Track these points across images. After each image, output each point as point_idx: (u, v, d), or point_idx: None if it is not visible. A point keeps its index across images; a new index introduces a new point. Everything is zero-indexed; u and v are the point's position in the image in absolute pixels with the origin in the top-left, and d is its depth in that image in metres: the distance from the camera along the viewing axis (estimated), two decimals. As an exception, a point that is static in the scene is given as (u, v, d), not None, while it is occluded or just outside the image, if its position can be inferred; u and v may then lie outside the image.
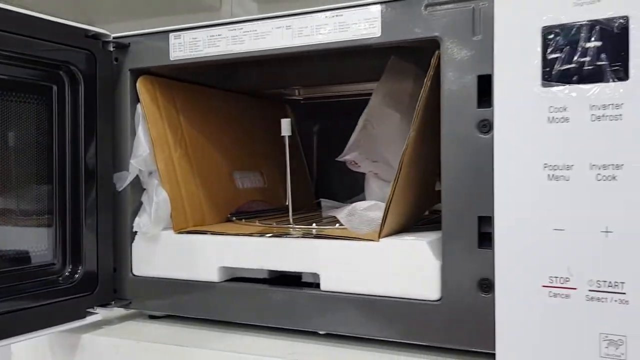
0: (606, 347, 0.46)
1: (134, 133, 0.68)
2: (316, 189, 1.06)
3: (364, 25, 0.57)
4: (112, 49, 0.67)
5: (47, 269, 0.63)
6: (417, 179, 0.62)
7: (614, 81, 0.45)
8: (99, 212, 0.66)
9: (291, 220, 0.71)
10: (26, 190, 0.62)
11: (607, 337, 0.46)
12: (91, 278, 0.65)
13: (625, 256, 0.45)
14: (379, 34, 0.56)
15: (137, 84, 0.68)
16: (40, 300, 0.60)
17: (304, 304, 0.60)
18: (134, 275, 0.69)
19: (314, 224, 0.69)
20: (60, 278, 0.64)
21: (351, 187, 0.90)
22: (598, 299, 0.46)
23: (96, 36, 0.66)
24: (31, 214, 0.62)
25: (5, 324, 0.56)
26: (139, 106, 0.68)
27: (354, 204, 0.63)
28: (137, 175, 0.68)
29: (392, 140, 0.73)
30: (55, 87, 0.63)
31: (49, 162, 0.63)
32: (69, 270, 0.64)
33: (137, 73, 0.68)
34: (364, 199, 0.71)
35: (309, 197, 1.03)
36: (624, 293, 0.46)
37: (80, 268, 0.64)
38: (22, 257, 0.61)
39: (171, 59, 0.66)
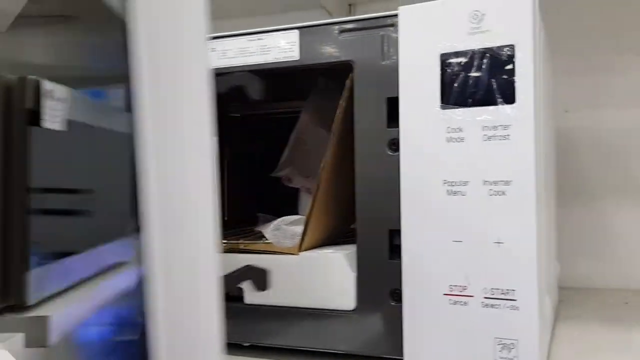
0: (500, 351, 0.50)
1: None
2: (259, 204, 1.08)
3: (284, 48, 0.60)
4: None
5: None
6: (338, 194, 0.65)
7: (502, 104, 0.49)
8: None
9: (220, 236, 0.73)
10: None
11: (501, 341, 0.50)
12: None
13: (515, 265, 0.49)
14: (297, 57, 0.59)
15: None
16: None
17: (229, 317, 0.62)
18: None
19: (241, 239, 0.71)
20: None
21: (293, 202, 0.93)
22: (492, 306, 0.50)
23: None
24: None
25: None
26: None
27: (280, 219, 0.65)
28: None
29: (322, 156, 0.75)
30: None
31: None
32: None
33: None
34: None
35: (253, 212, 1.05)
36: (515, 300, 0.49)
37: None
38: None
39: (103, 79, 0.68)
